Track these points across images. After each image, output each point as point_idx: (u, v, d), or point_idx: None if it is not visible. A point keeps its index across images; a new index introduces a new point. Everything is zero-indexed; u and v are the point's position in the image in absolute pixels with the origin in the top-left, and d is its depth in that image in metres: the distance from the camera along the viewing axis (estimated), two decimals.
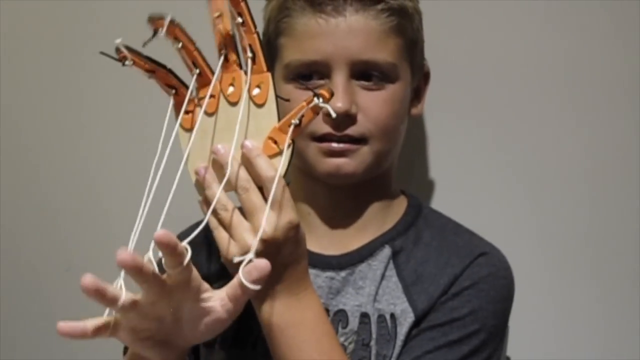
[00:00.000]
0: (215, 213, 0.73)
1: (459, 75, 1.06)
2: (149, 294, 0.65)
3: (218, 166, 0.74)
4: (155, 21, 0.72)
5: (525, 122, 1.07)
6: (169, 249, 0.62)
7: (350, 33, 0.82)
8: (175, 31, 0.73)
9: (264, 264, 0.65)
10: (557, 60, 1.05)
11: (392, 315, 0.85)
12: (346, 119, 0.83)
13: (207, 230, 0.74)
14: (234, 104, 0.74)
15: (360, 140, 0.84)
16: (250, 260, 0.66)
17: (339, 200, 0.89)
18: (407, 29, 0.86)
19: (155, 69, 0.75)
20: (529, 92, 1.06)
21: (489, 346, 0.84)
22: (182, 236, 0.87)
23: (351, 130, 0.84)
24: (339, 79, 0.82)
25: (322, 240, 0.89)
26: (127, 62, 0.73)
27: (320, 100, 0.70)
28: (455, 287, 0.85)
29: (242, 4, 0.70)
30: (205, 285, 0.68)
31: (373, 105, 0.84)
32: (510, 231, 1.05)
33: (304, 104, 0.71)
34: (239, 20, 0.71)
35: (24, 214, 1.28)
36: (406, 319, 0.84)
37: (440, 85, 0.96)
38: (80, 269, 1.15)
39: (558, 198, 1.07)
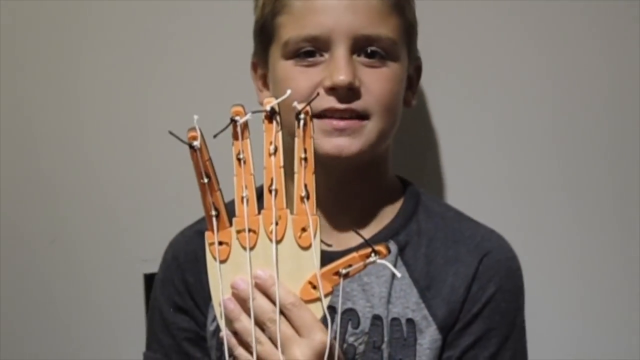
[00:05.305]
0: (246, 346, 0.72)
1: (446, 72, 1.05)
2: None
3: (240, 300, 0.72)
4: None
5: (518, 117, 1.07)
6: None
7: (351, 8, 0.80)
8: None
9: None
10: (540, 56, 1.06)
11: (410, 321, 0.81)
12: (350, 92, 0.80)
13: None
14: (276, 242, 0.72)
15: (364, 116, 0.81)
16: None
17: (336, 189, 0.85)
18: (406, 10, 0.84)
19: (213, 175, 0.71)
20: (518, 89, 1.06)
21: (523, 338, 0.86)
22: (186, 231, 0.90)
23: (355, 105, 0.80)
24: (340, 52, 0.80)
25: (322, 235, 0.85)
26: (195, 144, 0.69)
27: (377, 257, 0.69)
28: (478, 293, 0.83)
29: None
30: None
31: (376, 81, 0.81)
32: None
33: (356, 256, 0.70)
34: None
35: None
36: (428, 327, 0.82)
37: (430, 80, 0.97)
38: (65, 242, 1.18)
39: (553, 192, 1.07)
